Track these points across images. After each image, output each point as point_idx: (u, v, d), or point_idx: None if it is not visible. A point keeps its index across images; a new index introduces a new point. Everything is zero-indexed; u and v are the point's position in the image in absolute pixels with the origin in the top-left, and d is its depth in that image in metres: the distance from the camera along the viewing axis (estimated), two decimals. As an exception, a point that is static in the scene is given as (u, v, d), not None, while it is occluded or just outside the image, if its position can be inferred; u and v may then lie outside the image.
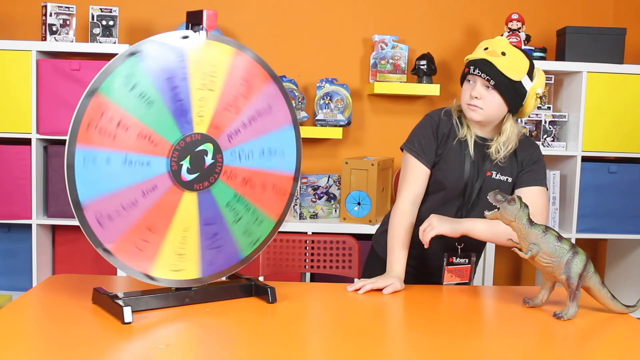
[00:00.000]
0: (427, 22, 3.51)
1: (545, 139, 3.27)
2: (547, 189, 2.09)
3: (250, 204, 1.80)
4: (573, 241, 3.22)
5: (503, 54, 1.93)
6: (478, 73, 1.94)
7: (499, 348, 1.56)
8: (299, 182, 2.06)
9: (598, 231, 3.26)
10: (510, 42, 2.00)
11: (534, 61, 2.02)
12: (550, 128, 3.28)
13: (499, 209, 1.72)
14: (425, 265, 2.14)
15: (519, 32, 3.24)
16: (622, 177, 3.24)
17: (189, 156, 1.67)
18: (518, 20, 3.25)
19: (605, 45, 3.22)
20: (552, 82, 3.38)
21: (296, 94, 3.20)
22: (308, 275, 3.09)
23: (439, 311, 1.79)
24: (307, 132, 3.21)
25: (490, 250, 3.22)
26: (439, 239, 2.04)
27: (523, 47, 3.22)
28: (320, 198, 3.24)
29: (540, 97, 2.00)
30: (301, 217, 3.21)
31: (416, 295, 1.91)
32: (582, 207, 3.23)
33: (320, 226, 3.12)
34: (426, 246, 1.93)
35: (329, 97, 3.26)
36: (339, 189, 3.26)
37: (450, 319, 1.75)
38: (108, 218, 1.58)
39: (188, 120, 1.66)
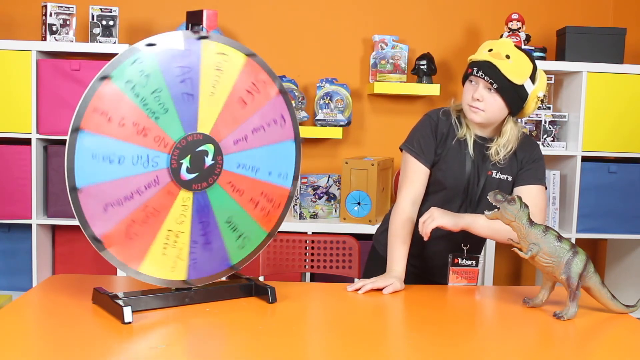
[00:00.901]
0: (427, 22, 3.51)
1: (545, 139, 3.27)
2: (546, 188, 2.09)
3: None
4: (573, 241, 3.22)
5: (507, 57, 1.91)
6: (481, 75, 1.92)
7: (499, 348, 1.56)
8: (294, 198, 2.06)
9: (598, 231, 3.26)
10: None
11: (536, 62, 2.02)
12: (550, 128, 3.28)
13: (499, 208, 1.72)
14: (427, 265, 2.14)
15: (519, 32, 3.24)
16: (622, 177, 3.24)
17: (189, 155, 1.67)
18: (518, 20, 3.25)
19: (605, 45, 3.22)
20: (552, 82, 3.38)
21: (296, 94, 3.20)
22: (308, 275, 3.09)
23: (439, 311, 1.79)
24: (307, 132, 3.21)
25: (490, 250, 3.22)
26: (441, 239, 2.04)
27: (523, 47, 3.22)
28: (320, 198, 3.24)
29: (542, 101, 1.99)
30: (301, 217, 3.21)
31: (416, 295, 1.91)
32: (582, 207, 3.23)
33: (320, 226, 3.12)
34: (426, 238, 1.93)
35: (329, 97, 3.26)
36: (339, 189, 3.26)
37: (450, 319, 1.75)
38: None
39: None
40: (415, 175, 2.05)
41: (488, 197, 1.74)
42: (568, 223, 3.26)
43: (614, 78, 3.18)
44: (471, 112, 1.97)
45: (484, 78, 1.92)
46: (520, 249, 1.75)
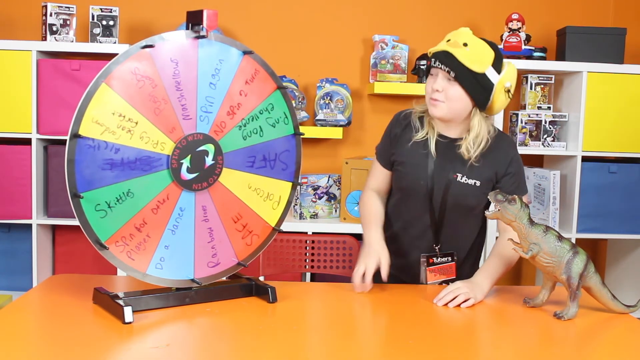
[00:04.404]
0: (427, 22, 3.51)
1: (545, 139, 3.27)
2: (527, 192, 2.04)
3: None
4: (573, 241, 3.22)
5: (465, 45, 1.86)
6: (438, 65, 1.88)
7: (499, 348, 1.56)
8: (297, 190, 2.08)
9: (598, 231, 3.26)
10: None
11: (516, 60, 1.96)
12: (550, 128, 3.28)
13: (499, 209, 1.72)
14: (407, 272, 2.10)
15: (519, 32, 3.24)
16: (622, 177, 3.24)
17: (189, 155, 1.67)
18: (518, 20, 3.25)
19: (605, 45, 3.22)
20: (552, 82, 3.37)
21: (296, 94, 3.20)
22: (308, 275, 3.09)
23: (439, 311, 1.79)
24: (307, 132, 3.20)
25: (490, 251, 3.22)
26: (418, 249, 2.05)
27: (523, 47, 3.22)
28: (320, 198, 3.24)
29: (508, 91, 1.89)
30: (301, 217, 3.21)
31: (416, 295, 1.91)
32: (582, 207, 3.22)
33: (320, 226, 3.12)
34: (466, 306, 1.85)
35: (329, 97, 3.26)
36: (339, 189, 3.26)
37: (450, 319, 1.75)
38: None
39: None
40: (376, 173, 2.12)
41: (488, 196, 1.74)
42: (568, 223, 3.26)
43: (614, 78, 3.18)
44: (431, 106, 1.92)
45: (441, 68, 1.87)
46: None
